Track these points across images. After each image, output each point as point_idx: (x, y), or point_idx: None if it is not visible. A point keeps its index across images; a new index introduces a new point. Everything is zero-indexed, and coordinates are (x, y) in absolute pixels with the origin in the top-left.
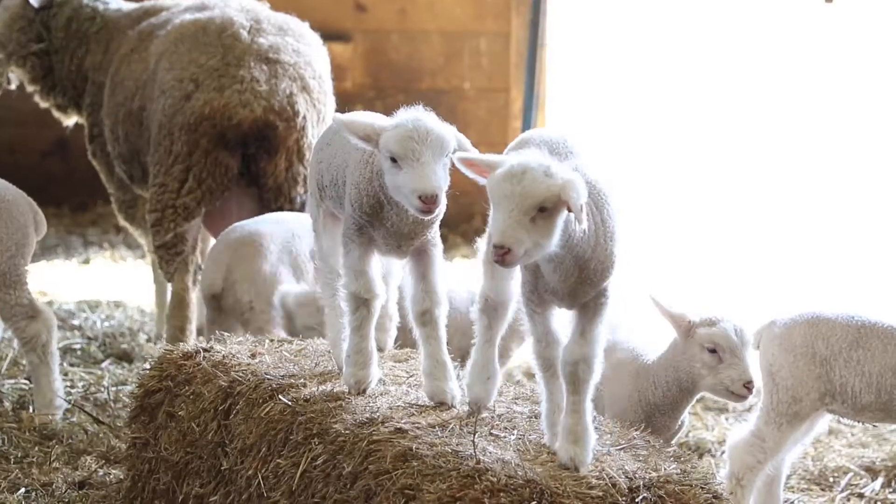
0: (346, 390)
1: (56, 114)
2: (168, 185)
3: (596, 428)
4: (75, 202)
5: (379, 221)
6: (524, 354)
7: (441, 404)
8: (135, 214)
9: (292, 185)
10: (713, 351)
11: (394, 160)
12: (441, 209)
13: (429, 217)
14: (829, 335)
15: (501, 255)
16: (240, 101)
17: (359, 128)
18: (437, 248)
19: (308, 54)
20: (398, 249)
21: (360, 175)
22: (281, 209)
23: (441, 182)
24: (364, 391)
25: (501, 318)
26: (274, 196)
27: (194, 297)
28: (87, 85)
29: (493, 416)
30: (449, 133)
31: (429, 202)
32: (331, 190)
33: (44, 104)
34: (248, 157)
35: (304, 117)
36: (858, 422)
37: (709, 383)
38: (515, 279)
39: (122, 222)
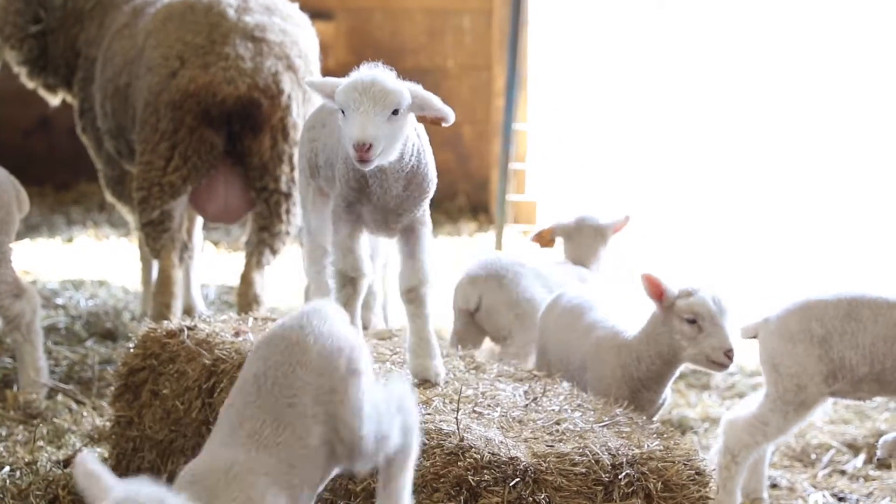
0: None
1: (42, 93)
2: (154, 162)
3: (579, 405)
4: (58, 181)
5: (365, 197)
6: None
7: (425, 382)
8: (122, 191)
9: (277, 164)
10: (692, 321)
11: (343, 113)
12: (380, 160)
13: (364, 167)
14: (822, 315)
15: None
16: (224, 78)
17: (324, 86)
18: (427, 226)
19: (294, 34)
20: (386, 227)
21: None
22: (266, 188)
23: (378, 132)
24: None
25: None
26: (259, 174)
27: (180, 274)
28: (80, 60)
29: (476, 394)
30: (398, 87)
31: (359, 150)
32: (325, 170)
33: (31, 85)
34: (233, 134)
35: (289, 96)
36: (858, 399)
37: (690, 354)
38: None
39: (110, 198)
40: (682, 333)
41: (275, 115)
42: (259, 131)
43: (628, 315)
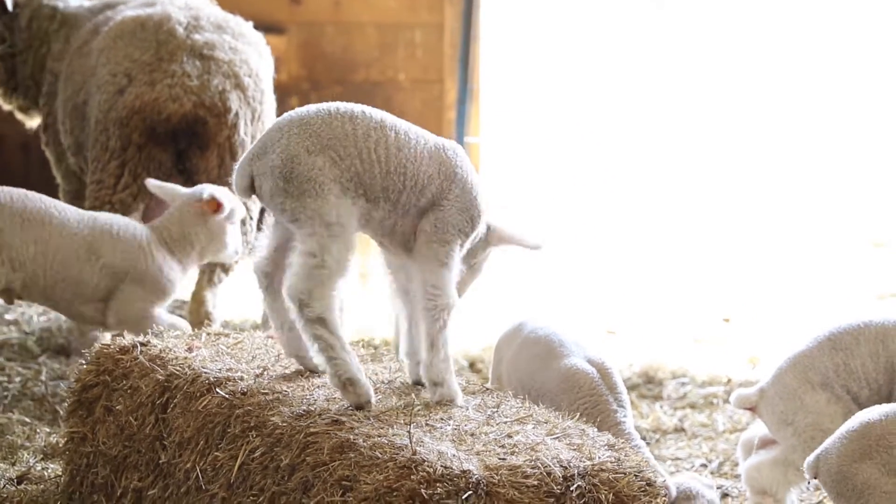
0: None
1: (19, 116)
2: (104, 181)
3: (531, 416)
4: None
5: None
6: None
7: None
8: (80, 206)
9: (225, 182)
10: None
11: None
12: None
13: None
14: (809, 365)
15: None
16: (170, 96)
17: None
18: None
19: (245, 52)
20: None
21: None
22: None
23: None
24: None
25: None
26: None
27: None
28: (45, 74)
29: (429, 407)
30: None
31: None
32: (403, 195)
33: (6, 107)
34: (181, 152)
35: (237, 114)
36: None
37: None
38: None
39: None
40: None
41: (221, 134)
42: (206, 149)
43: (593, 344)
